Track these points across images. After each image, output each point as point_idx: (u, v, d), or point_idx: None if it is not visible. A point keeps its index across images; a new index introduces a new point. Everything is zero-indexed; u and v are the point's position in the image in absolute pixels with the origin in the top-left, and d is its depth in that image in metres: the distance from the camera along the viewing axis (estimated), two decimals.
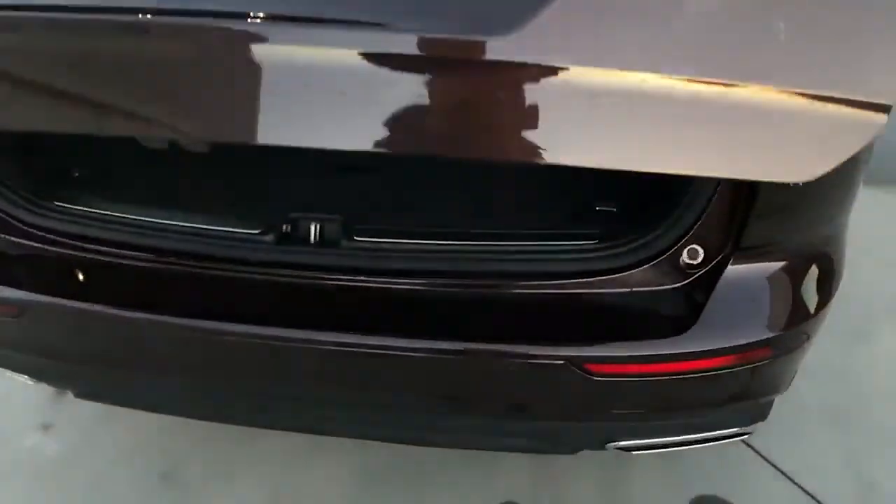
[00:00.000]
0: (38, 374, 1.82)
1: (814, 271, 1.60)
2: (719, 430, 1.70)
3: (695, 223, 1.47)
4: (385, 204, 1.78)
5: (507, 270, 1.54)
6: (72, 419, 2.34)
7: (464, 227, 1.64)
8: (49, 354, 1.70)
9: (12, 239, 1.69)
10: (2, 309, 1.63)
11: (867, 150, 1.54)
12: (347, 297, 1.54)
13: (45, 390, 2.36)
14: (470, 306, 1.54)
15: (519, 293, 1.52)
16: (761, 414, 1.75)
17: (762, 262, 1.52)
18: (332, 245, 1.60)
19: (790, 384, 1.72)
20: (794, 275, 1.56)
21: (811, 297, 1.58)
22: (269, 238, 1.61)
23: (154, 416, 2.24)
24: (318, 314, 1.55)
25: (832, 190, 1.52)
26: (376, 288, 1.53)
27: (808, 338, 1.59)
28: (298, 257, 1.58)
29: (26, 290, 1.61)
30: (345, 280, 1.54)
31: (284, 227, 1.64)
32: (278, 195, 1.83)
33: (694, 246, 1.50)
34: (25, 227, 1.69)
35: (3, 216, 1.70)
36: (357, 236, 1.60)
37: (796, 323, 1.54)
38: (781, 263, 1.54)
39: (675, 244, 1.49)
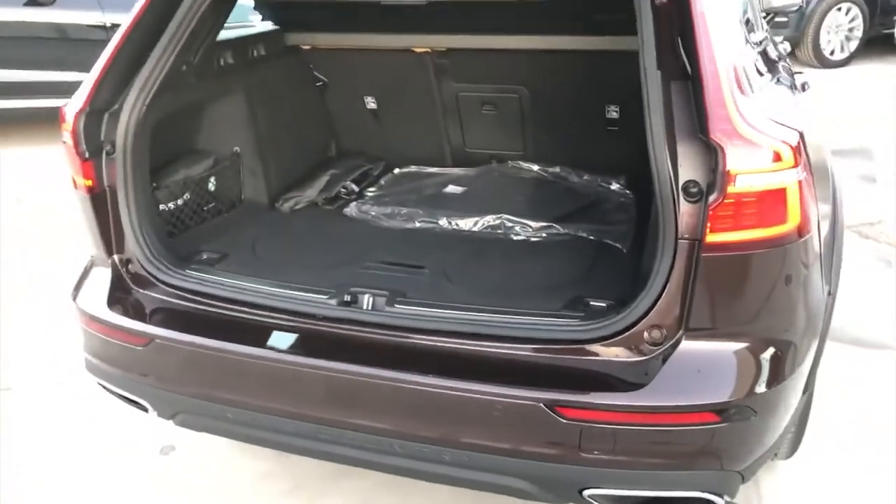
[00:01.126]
0: (149, 398, 2.39)
1: (766, 353, 1.96)
2: (686, 490, 2.01)
3: (650, 309, 1.91)
4: (420, 288, 2.32)
5: (507, 335, 2.01)
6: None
7: (481, 304, 2.15)
8: (161, 379, 2.28)
9: (151, 293, 2.35)
10: (134, 339, 2.25)
11: (815, 258, 1.98)
12: (382, 344, 2.06)
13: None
14: (478, 361, 2.02)
15: (507, 354, 1.98)
16: (728, 488, 2.05)
17: (712, 341, 1.92)
18: (378, 309, 2.15)
19: (753, 468, 2.02)
20: (743, 355, 1.94)
21: (760, 376, 1.94)
22: (334, 301, 2.19)
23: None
24: (360, 354, 2.07)
25: (776, 286, 1.92)
26: (406, 340, 2.05)
27: (756, 413, 1.93)
28: (354, 315, 2.14)
29: (153, 325, 2.23)
30: (382, 333, 2.07)
31: (346, 296, 2.21)
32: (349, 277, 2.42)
33: (657, 327, 1.92)
34: (163, 285, 2.34)
35: (150, 277, 2.37)
36: (397, 305, 2.15)
37: (740, 396, 1.90)
38: (731, 344, 1.93)
39: (637, 324, 1.92)
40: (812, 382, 2.33)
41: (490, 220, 2.83)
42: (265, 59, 3.14)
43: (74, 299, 2.45)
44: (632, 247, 2.63)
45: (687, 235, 1.84)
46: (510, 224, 2.80)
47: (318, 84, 3.52)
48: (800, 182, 1.83)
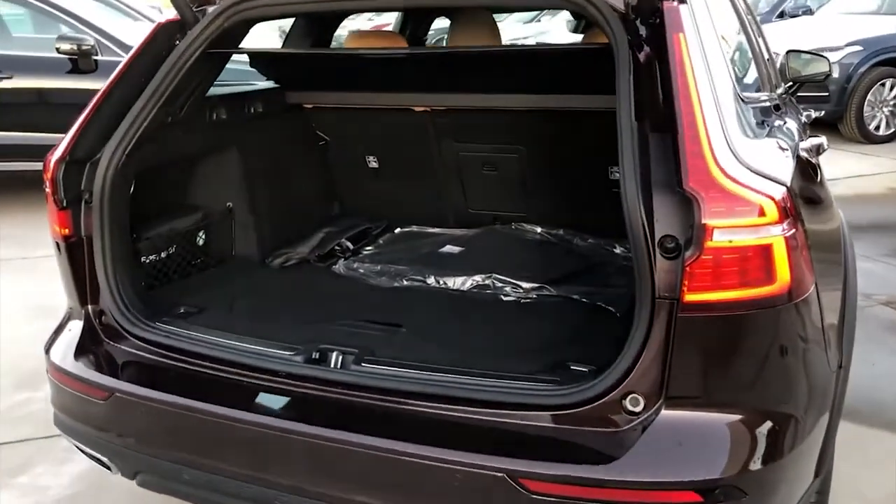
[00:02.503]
0: (110, 456, 2.31)
1: (761, 427, 1.80)
2: None
3: (626, 374, 1.79)
4: (392, 347, 2.23)
5: (473, 398, 1.90)
6: None
7: (451, 365, 2.05)
8: (120, 435, 2.21)
9: (119, 346, 2.31)
10: (95, 392, 2.20)
11: (816, 325, 1.84)
12: (344, 404, 1.97)
13: None
14: (440, 425, 1.90)
15: (471, 418, 1.86)
16: None
17: (696, 411, 1.77)
18: (344, 368, 2.07)
19: None
20: (733, 427, 1.79)
21: (754, 452, 1.78)
22: (301, 358, 2.12)
23: None
24: (321, 414, 1.97)
25: (768, 353, 1.79)
26: (368, 401, 1.95)
27: (746, 495, 1.76)
28: (318, 373, 2.06)
29: (113, 378, 2.18)
30: (345, 393, 1.98)
31: (314, 353, 2.14)
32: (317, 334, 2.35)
33: (634, 395, 1.80)
34: (131, 338, 2.31)
35: (120, 328, 2.33)
36: (363, 364, 2.06)
37: (729, 473, 1.74)
38: (718, 415, 1.78)
39: (612, 390, 1.80)
40: (827, 463, 2.15)
41: (479, 279, 2.74)
42: (263, 115, 3.18)
43: (47, 351, 2.43)
44: (627, 311, 2.51)
45: (665, 294, 1.74)
46: (500, 284, 2.71)
47: (320, 143, 3.54)
48: (786, 239, 1.72)
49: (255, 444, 2.00)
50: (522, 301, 2.64)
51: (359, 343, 2.23)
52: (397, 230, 3.50)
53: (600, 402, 1.81)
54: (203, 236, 2.94)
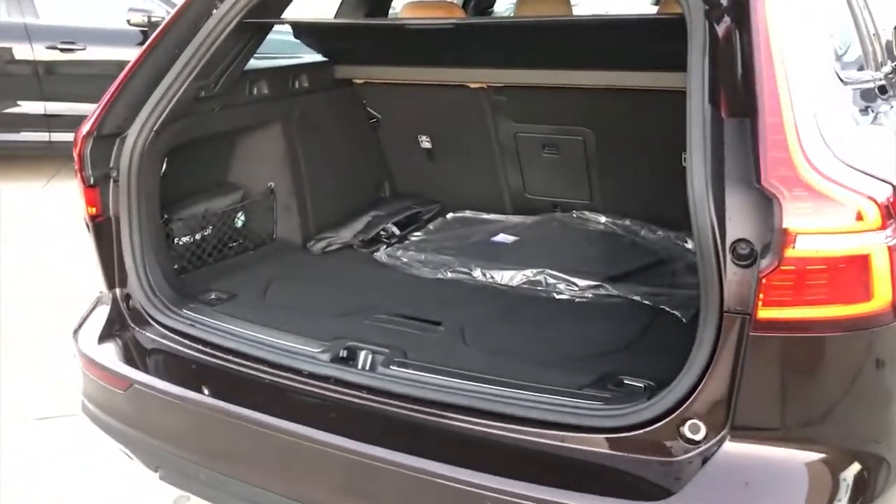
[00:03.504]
0: (132, 447, 2.23)
1: (849, 471, 1.55)
2: None
3: (687, 397, 1.56)
4: (427, 348, 2.05)
5: (510, 414, 1.70)
6: None
7: (490, 372, 1.86)
8: (139, 428, 2.12)
9: (144, 332, 2.22)
10: (116, 382, 2.11)
11: None
12: (367, 412, 1.81)
13: None
14: (472, 442, 1.72)
15: (504, 436, 1.67)
16: None
17: (767, 445, 1.53)
18: (372, 369, 1.91)
19: None
20: (811, 467, 1.54)
21: (835, 497, 1.53)
22: (327, 356, 1.97)
23: None
24: (342, 422, 1.82)
25: (860, 381, 1.53)
26: (392, 409, 1.78)
27: None
28: (343, 375, 1.90)
29: (134, 368, 2.09)
30: (369, 398, 1.82)
31: (342, 351, 1.99)
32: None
33: (694, 421, 1.57)
34: (156, 324, 2.21)
35: (146, 314, 2.24)
36: (393, 366, 1.90)
37: None
38: (793, 451, 1.54)
39: (669, 414, 1.57)
40: None
41: (530, 274, 2.53)
42: (309, 91, 3.03)
43: (75, 333, 2.36)
44: (695, 317, 2.25)
45: (735, 308, 1.50)
46: (552, 280, 2.49)
47: (370, 121, 3.37)
48: (891, 249, 1.44)
49: (270, 449, 1.87)
50: (577, 300, 2.41)
51: (391, 342, 2.07)
52: (449, 215, 3.31)
53: (655, 426, 1.59)
54: (242, 218, 2.83)
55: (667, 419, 1.58)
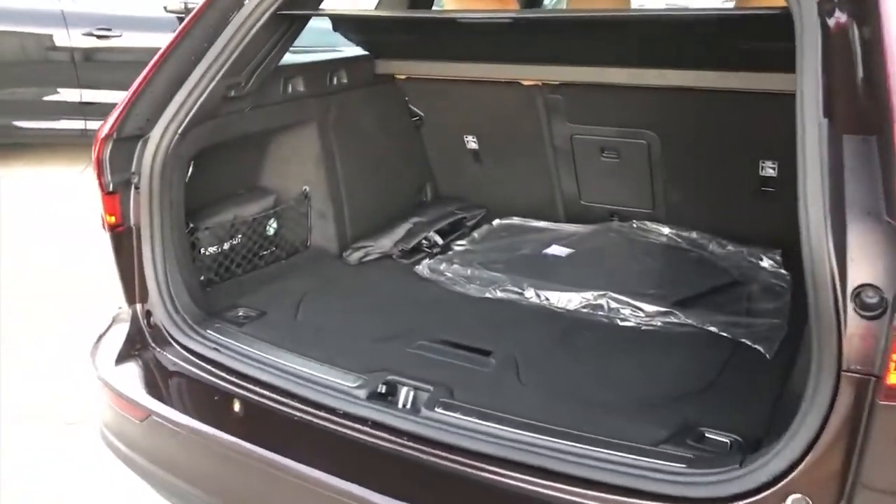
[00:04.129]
0: (150, 481, 2.05)
1: None
2: None
3: (792, 467, 1.31)
4: (477, 385, 1.83)
5: (572, 475, 1.47)
6: None
7: (549, 420, 1.63)
8: (160, 464, 1.93)
9: (166, 354, 2.03)
10: (133, 411, 1.93)
11: None
12: (407, 461, 1.59)
13: None
14: None
15: (575, 500, 1.44)
16: None
17: None
18: (414, 411, 1.69)
19: None
20: None
21: None
22: (364, 392, 1.76)
23: None
24: (378, 473, 1.61)
25: None
26: (435, 461, 1.56)
27: None
28: (381, 417, 1.69)
29: (153, 396, 1.90)
30: (410, 447, 1.60)
31: (380, 386, 1.77)
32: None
33: (800, 496, 1.32)
34: (177, 346, 2.02)
35: (167, 334, 2.06)
36: (437, 409, 1.67)
37: None
38: None
39: (770, 486, 1.33)
40: None
41: (590, 297, 2.27)
42: (348, 87, 2.81)
43: (92, 352, 2.19)
44: (780, 352, 1.99)
45: (857, 368, 1.25)
46: (615, 305, 2.23)
47: (413, 119, 3.14)
48: None
49: (295, 499, 1.66)
50: (643, 328, 2.16)
51: (436, 376, 1.85)
52: (495, 222, 3.07)
53: (751, 499, 1.34)
54: (274, 225, 2.63)
55: (766, 492, 1.33)
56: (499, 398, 1.76)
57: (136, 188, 2.10)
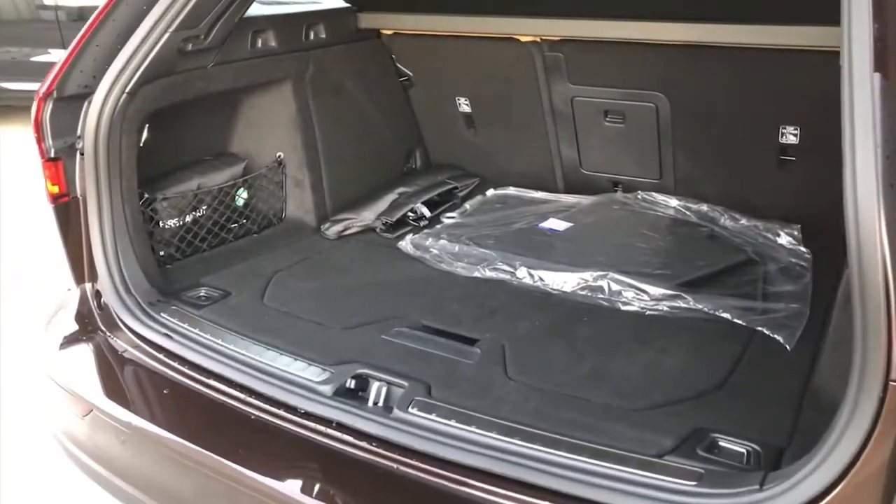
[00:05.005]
0: (100, 483, 1.86)
1: None
2: None
3: (827, 491, 1.10)
4: (459, 380, 1.61)
5: (563, 492, 1.27)
6: None
7: (539, 425, 1.42)
8: (107, 467, 1.73)
9: (116, 339, 1.82)
10: (76, 404, 1.72)
11: None
12: (375, 471, 1.38)
13: None
14: None
15: None
16: None
17: None
18: (384, 410, 1.49)
19: None
20: None
21: None
22: (329, 388, 1.55)
23: None
24: (339, 485, 1.40)
25: None
26: (406, 471, 1.36)
27: None
28: (346, 418, 1.48)
29: (93, 389, 1.70)
30: (378, 454, 1.39)
31: (349, 381, 1.57)
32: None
33: None
34: (127, 331, 1.81)
35: (116, 317, 1.85)
36: (411, 409, 1.47)
37: None
38: None
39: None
40: None
41: (589, 277, 2.05)
42: (327, 43, 2.55)
43: (38, 338, 1.98)
44: (801, 342, 1.77)
45: None
46: (616, 287, 2.01)
47: (401, 79, 2.89)
48: None
49: None
50: (647, 313, 1.93)
51: (413, 368, 1.64)
52: (489, 192, 2.84)
53: None
54: (244, 195, 2.40)
55: None
56: (482, 397, 1.55)
57: (82, 154, 1.88)
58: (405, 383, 1.57)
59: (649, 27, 2.29)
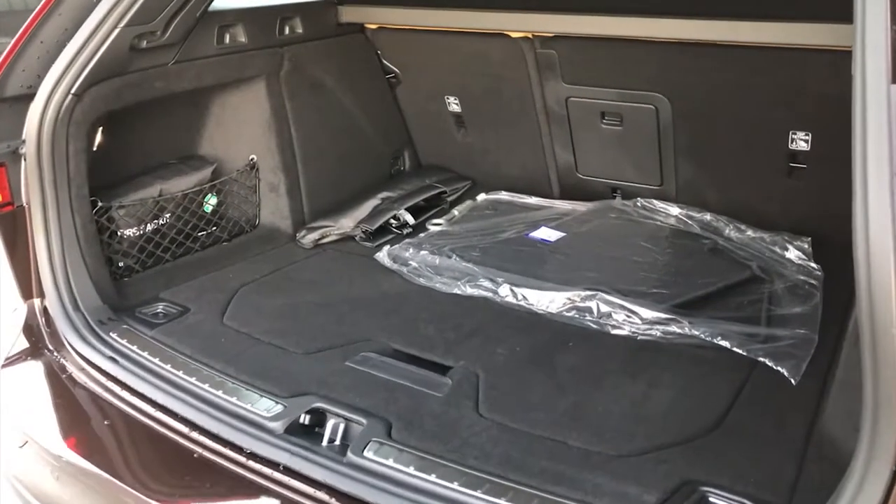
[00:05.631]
0: None
1: None
2: None
3: None
4: (425, 418, 1.46)
5: None
6: None
7: (506, 475, 1.27)
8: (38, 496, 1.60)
9: (61, 361, 1.69)
10: (12, 433, 1.59)
11: None
12: None
13: None
14: None
15: None
16: None
17: None
18: (340, 450, 1.35)
19: None
20: None
21: None
22: (279, 424, 1.41)
23: None
24: None
25: None
26: None
27: None
28: (294, 462, 1.33)
29: (30, 416, 1.56)
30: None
31: (303, 416, 1.43)
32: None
33: None
34: (72, 352, 1.68)
35: (62, 336, 1.72)
36: (366, 453, 1.32)
37: None
38: None
39: None
40: None
41: (577, 297, 1.89)
42: (305, 38, 2.40)
43: None
44: (808, 375, 1.60)
45: None
46: (606, 308, 1.84)
47: (388, 76, 2.73)
48: None
49: None
50: (639, 338, 1.77)
51: (375, 402, 1.50)
52: (480, 197, 2.68)
53: None
54: (213, 201, 2.26)
55: None
56: (448, 438, 1.40)
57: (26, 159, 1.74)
58: (364, 421, 1.42)
59: (647, 23, 2.12)
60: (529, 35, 2.37)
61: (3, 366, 1.75)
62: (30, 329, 1.81)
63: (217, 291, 1.98)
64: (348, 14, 2.56)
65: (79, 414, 1.61)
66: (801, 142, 2.15)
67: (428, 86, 2.71)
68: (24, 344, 1.79)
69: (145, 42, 1.84)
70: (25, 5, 5.94)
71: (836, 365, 1.51)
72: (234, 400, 1.49)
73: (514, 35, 2.40)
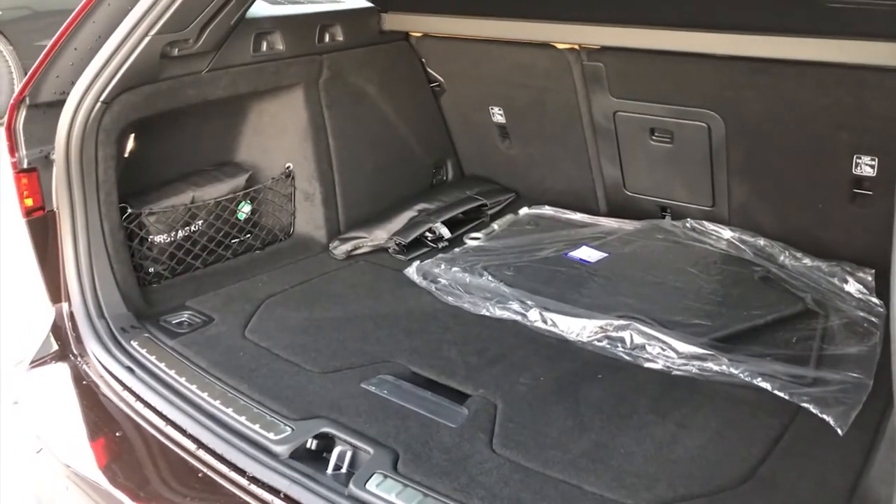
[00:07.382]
0: None
1: None
2: None
3: None
4: (435, 451, 1.41)
5: None
6: None
7: None
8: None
9: (82, 366, 1.70)
10: (29, 439, 1.61)
11: None
12: None
13: None
14: None
15: None
16: None
17: None
18: (343, 482, 1.31)
19: None
20: None
21: None
22: (284, 448, 1.38)
23: None
24: None
25: None
26: None
27: None
28: (294, 490, 1.30)
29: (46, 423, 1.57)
30: None
31: (309, 442, 1.39)
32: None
33: None
34: (94, 358, 1.69)
35: (84, 343, 1.73)
36: (368, 485, 1.27)
37: None
38: None
39: None
40: None
41: (610, 326, 1.80)
42: (345, 46, 2.37)
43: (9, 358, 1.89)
44: (857, 426, 1.48)
45: None
46: (641, 340, 1.75)
47: (432, 85, 2.68)
48: None
49: None
50: (674, 373, 1.68)
51: (385, 430, 1.45)
52: (522, 211, 2.60)
53: None
54: (246, 209, 2.25)
55: None
56: (456, 475, 1.34)
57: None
58: (370, 450, 1.38)
59: (701, 37, 2.01)
60: (576, 46, 2.29)
61: (31, 367, 1.78)
62: (58, 332, 1.83)
63: (244, 301, 1.97)
64: (392, 22, 2.52)
65: (92, 423, 1.62)
66: (866, 167, 2.01)
67: (472, 95, 2.65)
68: (52, 346, 1.81)
69: (177, 50, 1.85)
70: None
71: (890, 416, 1.39)
72: (242, 419, 1.47)
73: (560, 46, 2.32)
